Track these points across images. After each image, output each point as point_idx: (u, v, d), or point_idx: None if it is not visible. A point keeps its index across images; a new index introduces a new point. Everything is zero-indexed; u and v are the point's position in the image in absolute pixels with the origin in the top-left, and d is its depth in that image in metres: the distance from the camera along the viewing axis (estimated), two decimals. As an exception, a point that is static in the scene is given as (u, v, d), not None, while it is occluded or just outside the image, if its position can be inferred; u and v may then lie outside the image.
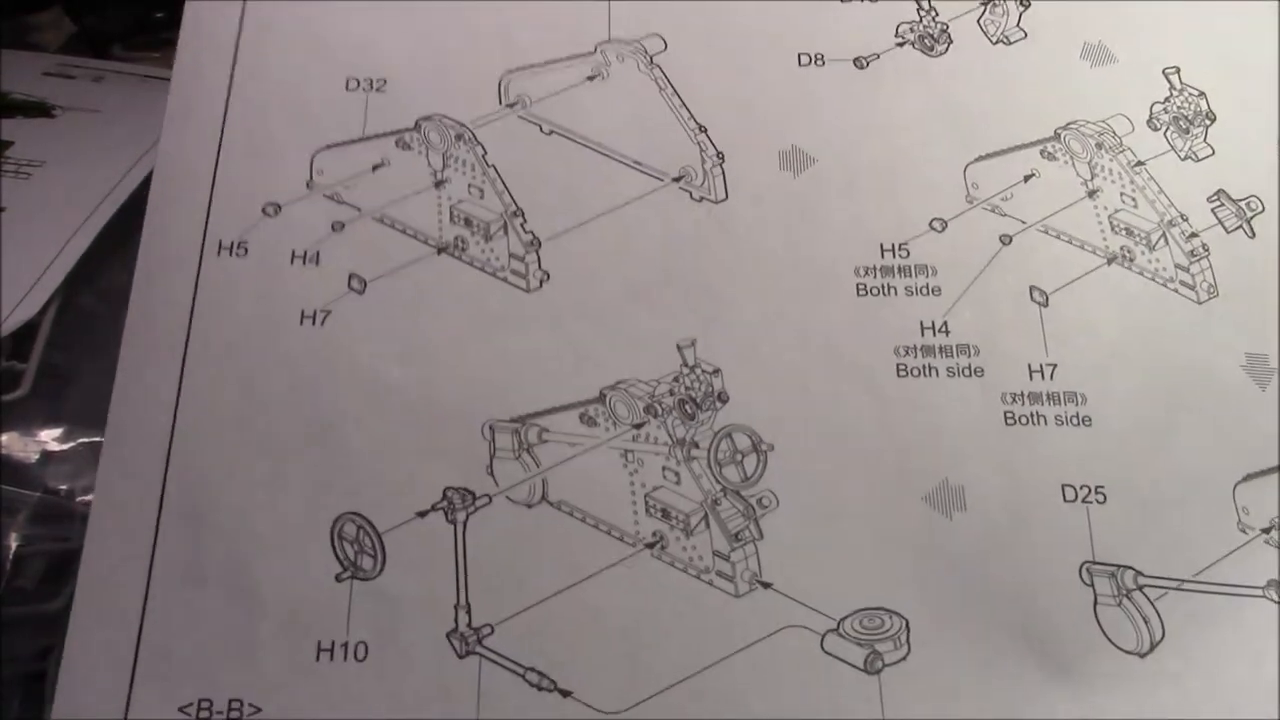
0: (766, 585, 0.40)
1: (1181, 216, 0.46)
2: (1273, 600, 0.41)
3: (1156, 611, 0.40)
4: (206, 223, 0.45)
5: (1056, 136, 0.47)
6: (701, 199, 0.46)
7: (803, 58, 0.49)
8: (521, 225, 0.45)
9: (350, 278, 0.44)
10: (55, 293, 0.54)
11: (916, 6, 0.50)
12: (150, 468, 0.41)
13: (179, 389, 0.42)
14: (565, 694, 0.39)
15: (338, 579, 0.40)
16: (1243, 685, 0.40)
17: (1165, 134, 0.48)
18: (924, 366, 0.43)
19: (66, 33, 0.76)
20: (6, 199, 0.58)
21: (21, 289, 0.54)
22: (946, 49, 0.49)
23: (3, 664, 0.45)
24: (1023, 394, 0.43)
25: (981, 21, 0.50)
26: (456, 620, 0.40)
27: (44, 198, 0.59)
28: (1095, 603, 0.40)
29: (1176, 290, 0.45)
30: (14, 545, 0.49)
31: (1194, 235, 0.46)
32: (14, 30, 0.75)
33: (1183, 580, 0.41)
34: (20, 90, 0.66)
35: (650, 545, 0.41)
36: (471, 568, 0.40)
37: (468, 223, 0.45)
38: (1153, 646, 0.40)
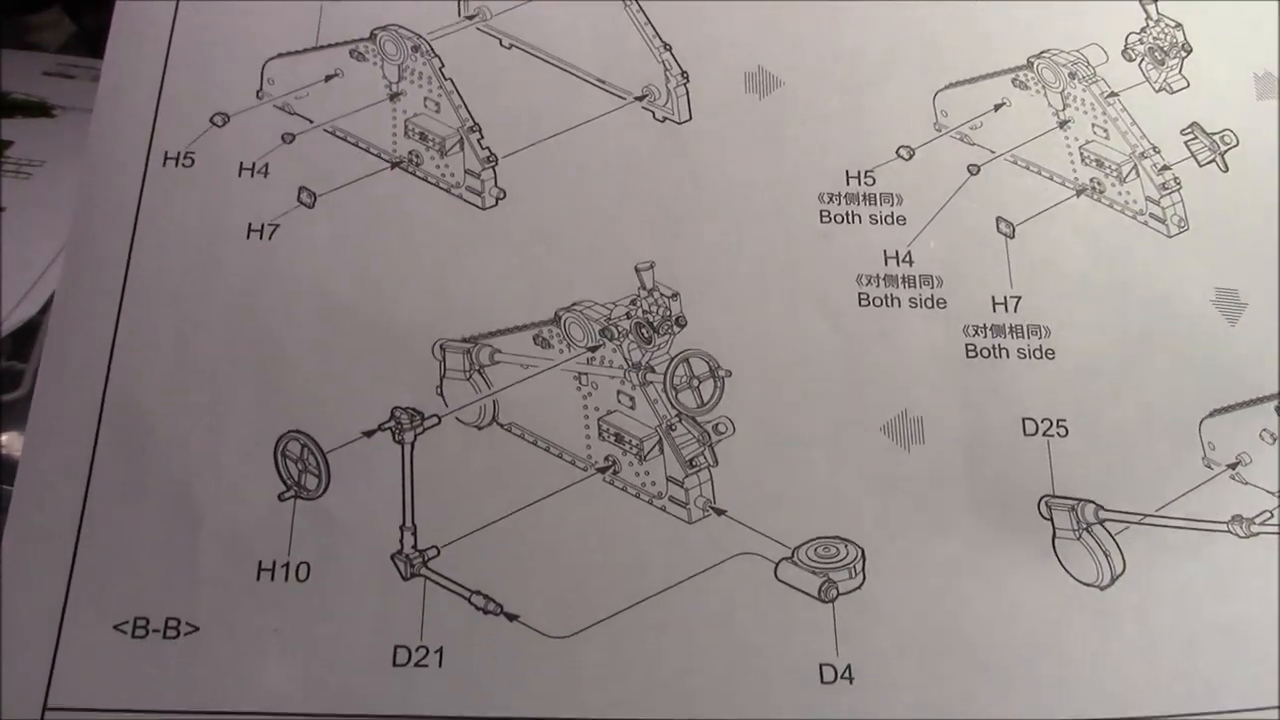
0: (720, 512, 0.40)
1: (1154, 149, 0.45)
2: (1237, 535, 0.40)
3: (1117, 545, 0.40)
4: (152, 132, 0.43)
5: (1029, 65, 0.46)
6: (664, 119, 0.45)
7: (773, -27, 0.47)
8: (478, 141, 0.44)
9: (300, 191, 0.43)
10: (55, 293, 0.53)
11: (892, -75, 0.48)
12: (89, 382, 0.40)
13: (120, 301, 0.41)
14: (512, 618, 0.38)
15: (280, 498, 0.39)
16: (1206, 618, 0.39)
17: (1140, 65, 0.47)
18: (886, 296, 0.42)
19: (66, 33, 0.75)
20: (6, 199, 0.58)
21: (21, 289, 0.54)
22: (922, -32, 0.48)
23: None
24: (985, 326, 0.42)
25: (958, -58, 0.48)
26: (402, 542, 0.39)
27: (44, 198, 0.59)
28: (1054, 536, 0.40)
29: (1146, 223, 0.44)
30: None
31: (1166, 168, 0.45)
32: (14, 30, 0.74)
33: (1145, 514, 0.40)
34: (20, 90, 0.67)
35: (602, 470, 0.40)
36: (418, 489, 0.39)
37: (423, 137, 0.44)
38: (1113, 579, 0.39)
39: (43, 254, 0.56)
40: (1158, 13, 0.47)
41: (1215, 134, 0.46)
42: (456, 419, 0.40)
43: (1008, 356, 0.42)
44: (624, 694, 0.37)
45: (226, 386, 0.40)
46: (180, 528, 0.38)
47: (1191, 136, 0.46)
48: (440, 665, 0.37)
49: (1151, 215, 0.44)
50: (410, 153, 0.44)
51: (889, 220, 0.44)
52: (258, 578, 0.38)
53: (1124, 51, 0.47)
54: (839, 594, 0.39)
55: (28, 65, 0.69)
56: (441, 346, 0.41)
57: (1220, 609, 0.39)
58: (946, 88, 0.46)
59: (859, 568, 0.39)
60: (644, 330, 0.41)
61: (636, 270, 0.42)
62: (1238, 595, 0.40)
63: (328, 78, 0.45)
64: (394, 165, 0.44)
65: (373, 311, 0.41)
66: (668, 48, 0.46)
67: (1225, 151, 0.45)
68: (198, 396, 0.40)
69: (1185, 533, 0.40)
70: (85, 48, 0.73)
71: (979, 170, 0.44)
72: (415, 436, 0.40)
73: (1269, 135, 0.46)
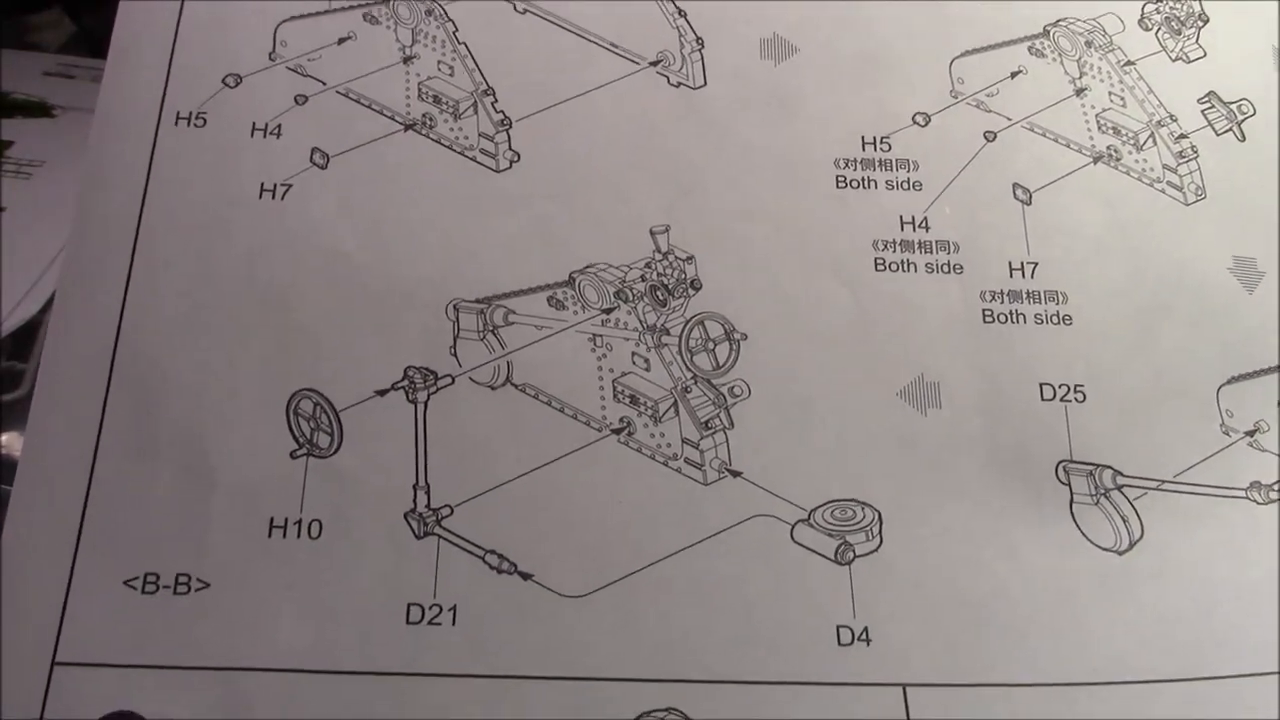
0: (736, 474, 0.39)
1: (1171, 117, 0.45)
2: (1255, 501, 0.40)
3: (1135, 511, 0.39)
4: (164, 92, 0.43)
5: (1045, 33, 0.46)
6: (679, 84, 0.45)
7: (787, -61, 0.47)
8: (492, 104, 0.44)
9: (313, 152, 0.42)
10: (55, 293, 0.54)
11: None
12: (100, 340, 0.40)
13: (131, 260, 0.41)
14: (525, 577, 0.38)
15: (293, 456, 0.39)
16: (1224, 584, 0.39)
17: (1157, 34, 0.47)
18: (902, 261, 0.42)
19: (66, 33, 0.75)
20: (6, 199, 0.58)
21: (21, 289, 0.54)
22: (937, -63, 0.47)
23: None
24: (1002, 291, 0.42)
25: (972, -89, 0.48)
26: (415, 500, 0.38)
27: (44, 198, 0.59)
28: (1072, 501, 0.39)
29: (1164, 191, 0.44)
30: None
31: (1183, 136, 0.45)
32: (14, 30, 0.74)
33: (1163, 480, 0.40)
34: (20, 90, 0.67)
35: (617, 431, 0.40)
36: (432, 448, 0.39)
37: (437, 100, 0.44)
38: (1131, 545, 0.39)
39: (43, 254, 0.56)
40: (1174, -17, 0.47)
41: (1232, 103, 0.45)
42: (470, 379, 0.40)
43: (1025, 322, 0.42)
44: (638, 654, 0.37)
45: (238, 345, 0.40)
46: (192, 484, 0.38)
47: (1208, 105, 0.45)
48: (454, 623, 0.37)
49: (1169, 183, 0.44)
50: (424, 115, 0.43)
51: (905, 186, 0.43)
52: (269, 534, 0.38)
53: (1140, 21, 0.47)
54: (855, 556, 0.38)
55: (28, 65, 0.69)
56: (455, 307, 0.41)
57: (1237, 575, 0.39)
58: (963, 55, 0.45)
59: (876, 530, 0.39)
60: (659, 293, 0.41)
61: (651, 233, 0.42)
62: (1255, 561, 0.39)
63: (340, 40, 0.44)
64: (408, 128, 0.43)
65: (386, 271, 0.41)
66: (682, 13, 0.45)
67: (1242, 121, 0.45)
68: (209, 354, 0.40)
69: (1203, 499, 0.40)
70: (85, 48, 0.73)
71: (995, 137, 0.44)
72: (429, 396, 0.39)
73: (1286, 105, 0.46)
